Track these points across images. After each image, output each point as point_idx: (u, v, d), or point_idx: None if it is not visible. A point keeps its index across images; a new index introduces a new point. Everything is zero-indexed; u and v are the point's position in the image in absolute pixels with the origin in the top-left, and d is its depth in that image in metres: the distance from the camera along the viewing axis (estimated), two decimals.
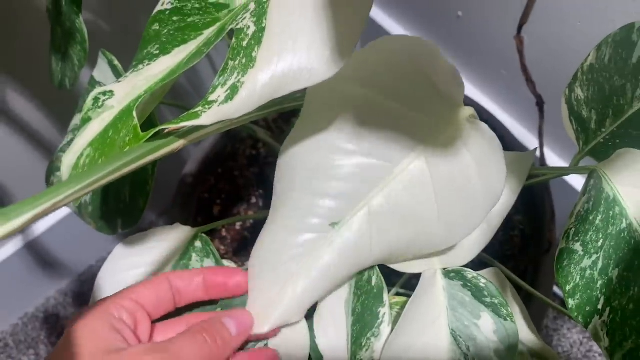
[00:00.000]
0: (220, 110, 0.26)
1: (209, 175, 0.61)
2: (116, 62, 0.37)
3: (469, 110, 0.30)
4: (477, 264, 0.40)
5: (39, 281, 0.84)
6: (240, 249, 0.59)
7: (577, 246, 0.31)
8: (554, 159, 0.70)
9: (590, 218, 0.32)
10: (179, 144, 0.27)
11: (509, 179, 0.37)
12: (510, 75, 0.72)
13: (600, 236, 0.31)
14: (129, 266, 0.38)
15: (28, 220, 0.21)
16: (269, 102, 0.35)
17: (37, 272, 0.83)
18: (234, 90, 0.26)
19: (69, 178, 0.23)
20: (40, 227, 0.77)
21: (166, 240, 0.38)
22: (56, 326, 0.85)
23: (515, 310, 0.41)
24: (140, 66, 0.32)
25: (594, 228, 0.31)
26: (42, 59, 0.50)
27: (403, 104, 0.32)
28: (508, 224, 0.57)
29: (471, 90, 0.76)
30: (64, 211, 0.77)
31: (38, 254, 0.80)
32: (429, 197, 0.32)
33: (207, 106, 0.26)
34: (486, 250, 0.56)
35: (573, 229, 0.31)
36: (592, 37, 0.54)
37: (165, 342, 0.31)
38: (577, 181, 0.67)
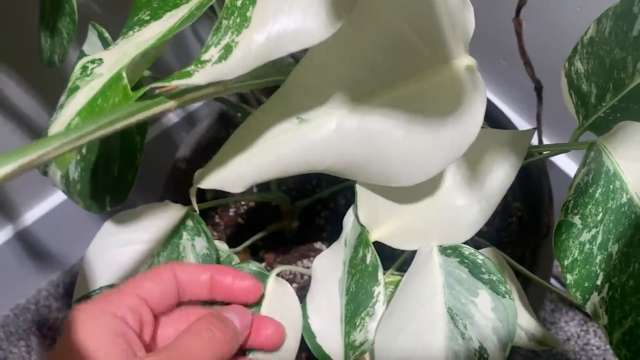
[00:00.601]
0: (213, 69, 0.25)
1: (203, 160, 0.60)
2: (106, 35, 0.36)
3: (468, 61, 0.29)
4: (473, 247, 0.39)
5: (30, 272, 0.83)
6: (234, 235, 0.58)
7: (576, 219, 0.31)
8: None
9: (590, 191, 0.31)
10: (170, 104, 0.26)
11: (507, 155, 0.37)
12: (510, 65, 0.71)
13: (600, 210, 0.31)
14: (119, 243, 0.37)
15: (13, 171, 0.20)
16: (265, 71, 0.34)
17: (28, 263, 0.81)
18: (228, 50, 0.26)
19: (56, 134, 0.22)
20: (31, 217, 0.76)
21: (157, 217, 0.38)
22: (48, 317, 0.84)
23: (514, 291, 0.40)
24: (131, 32, 0.31)
25: (594, 201, 0.31)
26: (32, 41, 0.49)
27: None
28: (506, 210, 0.57)
29: None
30: (55, 201, 0.76)
31: (29, 244, 0.79)
32: (399, 131, 0.31)
33: (200, 65, 0.26)
34: (484, 237, 0.55)
35: (572, 201, 0.31)
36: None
37: (171, 345, 0.29)
38: (575, 168, 0.66)
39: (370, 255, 0.35)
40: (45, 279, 0.87)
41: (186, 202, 0.55)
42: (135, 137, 0.35)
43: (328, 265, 0.37)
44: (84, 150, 0.39)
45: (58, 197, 0.76)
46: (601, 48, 0.33)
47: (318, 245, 0.57)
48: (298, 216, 0.56)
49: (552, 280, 0.72)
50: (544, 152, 0.38)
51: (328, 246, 0.57)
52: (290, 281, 0.56)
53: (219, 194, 0.60)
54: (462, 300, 0.34)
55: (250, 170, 0.33)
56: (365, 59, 0.31)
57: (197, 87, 0.26)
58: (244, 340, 0.33)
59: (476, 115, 0.29)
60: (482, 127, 0.39)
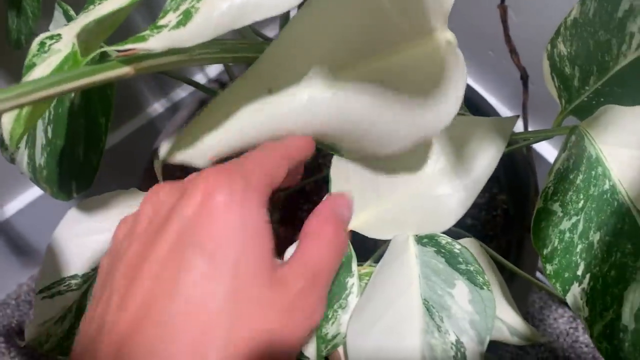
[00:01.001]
0: (170, 35, 0.23)
1: None
2: (72, 12, 0.35)
3: (447, 35, 0.28)
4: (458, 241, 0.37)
5: (10, 267, 0.81)
6: None
7: (556, 206, 0.29)
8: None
9: (571, 177, 0.29)
10: (125, 70, 0.24)
11: (490, 143, 0.35)
12: (498, 57, 0.70)
13: (581, 197, 0.29)
14: (83, 232, 0.36)
15: None
16: (236, 46, 0.32)
17: (8, 257, 0.80)
18: (187, 16, 0.24)
19: None
20: (10, 210, 0.74)
21: (123, 205, 0.36)
22: (28, 313, 0.83)
23: (494, 285, 0.39)
24: (91, 7, 0.30)
25: (574, 188, 0.29)
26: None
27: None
28: (491, 203, 0.55)
29: None
30: (34, 194, 0.75)
31: (8, 238, 0.77)
32: (374, 107, 0.29)
33: (155, 30, 0.24)
34: (468, 230, 0.54)
35: (552, 188, 0.29)
36: None
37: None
38: None
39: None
40: (26, 274, 0.85)
41: None
42: (100, 118, 0.34)
43: None
44: (49, 135, 0.38)
45: (37, 189, 0.75)
46: (585, 30, 0.32)
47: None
48: (279, 208, 0.54)
49: (540, 275, 0.71)
50: (527, 140, 0.36)
51: None
52: None
53: None
54: (439, 292, 0.32)
55: (216, 142, 0.32)
56: (341, 31, 0.29)
57: (157, 55, 0.25)
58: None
59: (457, 91, 0.27)
60: (465, 115, 0.38)
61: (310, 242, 0.27)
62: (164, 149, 0.31)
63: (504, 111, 0.72)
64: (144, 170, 0.56)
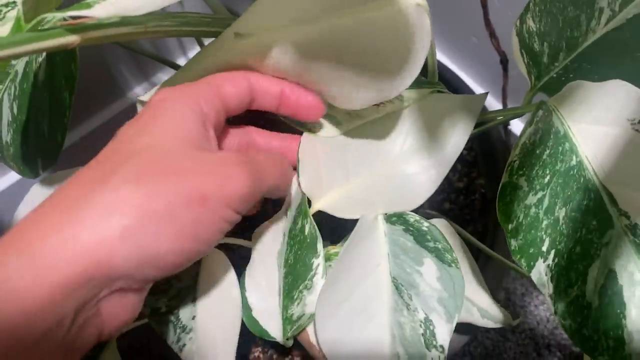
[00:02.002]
0: (117, 3, 0.23)
1: None
2: None
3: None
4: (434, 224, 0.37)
5: None
6: None
7: (522, 181, 0.29)
8: (519, 125, 0.68)
9: (537, 152, 0.29)
10: (71, 39, 0.23)
11: (458, 121, 0.35)
12: (481, 43, 0.69)
13: (547, 172, 0.29)
14: None
15: None
16: (199, 19, 0.32)
17: None
18: None
19: None
20: None
21: None
22: None
23: (465, 266, 0.39)
24: None
25: (541, 163, 0.29)
26: None
27: None
28: (470, 187, 0.55)
29: (438, 56, 0.73)
30: (12, 178, 0.74)
31: None
32: (331, 61, 0.29)
33: None
34: (446, 214, 0.54)
35: (517, 162, 0.29)
36: None
37: (249, 154, 0.28)
38: None
39: (309, 226, 0.33)
40: None
41: None
42: (64, 93, 0.33)
43: (268, 236, 0.35)
44: (15, 111, 0.37)
45: (14, 174, 0.74)
46: (554, 5, 0.32)
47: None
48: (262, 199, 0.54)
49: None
50: (498, 118, 0.36)
51: None
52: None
53: None
54: (407, 270, 0.32)
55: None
56: None
57: (108, 24, 0.24)
58: (279, 106, 0.32)
59: (420, 54, 0.27)
60: (438, 93, 0.37)
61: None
62: (144, 99, 0.31)
63: (488, 98, 0.71)
64: None
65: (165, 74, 0.76)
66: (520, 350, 0.72)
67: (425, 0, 0.27)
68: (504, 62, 0.51)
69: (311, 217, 0.33)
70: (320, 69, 0.30)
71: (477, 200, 0.54)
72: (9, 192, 0.74)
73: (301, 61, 0.30)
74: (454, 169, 0.56)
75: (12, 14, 0.28)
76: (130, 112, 0.75)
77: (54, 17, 0.23)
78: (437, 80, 0.37)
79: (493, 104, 0.69)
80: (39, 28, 0.24)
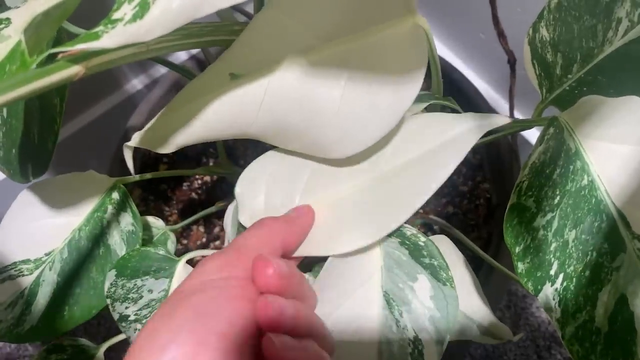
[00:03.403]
0: (126, 30, 0.21)
1: None
2: None
3: (416, 19, 0.26)
4: (436, 232, 0.36)
5: None
6: (186, 210, 0.55)
7: (530, 202, 0.28)
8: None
9: (547, 171, 0.28)
10: (75, 70, 0.22)
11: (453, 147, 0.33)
12: (488, 40, 0.68)
13: (557, 192, 0.28)
14: (36, 215, 0.34)
15: None
16: (200, 29, 0.30)
17: None
18: (144, 7, 0.22)
19: None
20: None
21: (79, 188, 0.34)
22: None
23: (466, 282, 0.38)
24: None
25: (550, 183, 0.28)
26: None
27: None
28: (474, 192, 0.54)
29: (445, 52, 0.72)
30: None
31: None
32: (337, 90, 0.28)
33: (109, 25, 0.22)
34: (449, 220, 0.53)
35: (526, 182, 0.28)
36: None
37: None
38: None
39: None
40: None
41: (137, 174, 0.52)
42: (54, 99, 0.32)
43: None
44: (4, 114, 0.35)
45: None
46: (569, 14, 0.30)
47: None
48: None
49: None
50: (506, 130, 0.35)
51: None
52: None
53: (173, 169, 0.57)
54: (400, 285, 0.31)
55: (181, 138, 0.30)
56: (312, 13, 0.27)
57: (110, 49, 0.22)
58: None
59: (417, 78, 0.26)
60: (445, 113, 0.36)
61: None
62: (133, 140, 0.30)
63: (492, 95, 0.70)
64: (114, 152, 0.54)
65: (163, 67, 0.75)
66: (521, 352, 0.71)
67: (423, 20, 0.26)
68: (512, 62, 0.49)
69: None
70: (322, 101, 0.28)
71: (481, 205, 0.53)
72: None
73: (303, 95, 0.28)
74: (458, 171, 0.55)
75: (7, 32, 0.27)
76: (126, 104, 0.74)
77: (61, 50, 0.22)
78: (441, 94, 0.35)
79: (499, 102, 0.67)
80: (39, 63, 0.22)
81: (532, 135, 0.66)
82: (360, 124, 0.28)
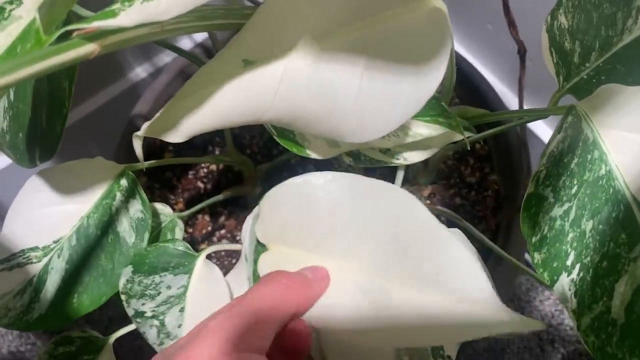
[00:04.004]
0: (143, 9, 0.21)
1: None
2: None
3: (435, 2, 0.25)
4: (444, 223, 0.35)
5: None
6: (192, 199, 0.55)
7: (548, 192, 0.27)
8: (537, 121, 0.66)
9: (565, 161, 0.27)
10: (90, 48, 0.22)
11: None
12: (497, 31, 0.67)
13: (575, 182, 0.27)
14: (44, 202, 0.34)
15: None
16: (212, 12, 0.30)
17: None
18: None
19: None
20: None
21: (87, 175, 0.34)
22: None
23: None
24: None
25: (568, 172, 0.27)
26: None
27: None
28: (482, 183, 0.53)
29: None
30: (3, 162, 0.72)
31: None
32: (355, 78, 0.27)
33: (126, 3, 0.21)
34: (457, 211, 0.52)
35: (544, 171, 0.27)
36: None
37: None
38: None
39: None
40: None
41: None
42: (63, 82, 0.31)
43: (234, 286, 0.33)
44: (12, 97, 0.35)
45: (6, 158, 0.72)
46: (589, 1, 0.30)
47: None
48: (262, 182, 0.52)
49: (528, 257, 0.69)
50: (521, 119, 0.34)
51: None
52: (230, 257, 0.52)
53: (179, 157, 0.56)
54: None
55: (192, 124, 0.30)
56: None
57: (124, 29, 0.22)
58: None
59: (439, 66, 0.25)
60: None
61: None
62: (143, 129, 0.29)
63: (501, 88, 0.69)
64: (120, 139, 0.54)
65: (167, 56, 0.74)
66: (524, 345, 0.71)
67: (442, 4, 0.26)
68: (522, 52, 0.49)
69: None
70: (339, 88, 0.28)
71: (489, 197, 0.52)
72: (6, 173, 0.73)
73: (318, 82, 0.28)
74: (465, 162, 0.54)
75: (18, 12, 0.26)
76: (130, 93, 0.73)
77: (76, 27, 0.22)
78: (454, 83, 0.35)
79: (508, 95, 0.66)
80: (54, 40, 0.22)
81: (539, 127, 0.66)
82: (380, 112, 0.27)
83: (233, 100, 0.29)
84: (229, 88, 0.29)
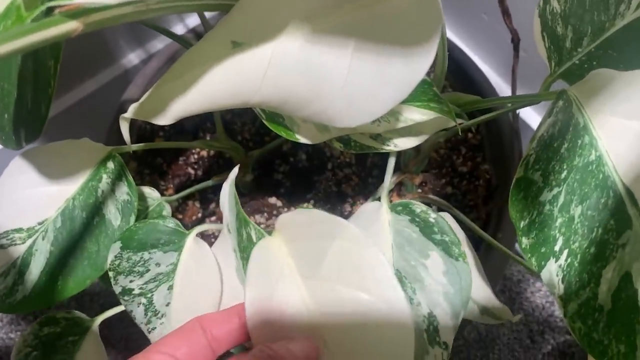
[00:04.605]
0: None
1: None
2: None
3: None
4: (435, 212, 0.35)
5: None
6: (182, 185, 0.54)
7: (537, 176, 0.27)
8: (528, 111, 0.65)
9: (555, 145, 0.27)
10: (72, 25, 0.21)
11: None
12: (491, 21, 0.67)
13: (565, 167, 0.27)
14: (29, 183, 0.33)
15: None
16: None
17: None
18: None
19: None
20: None
21: (73, 156, 0.33)
22: None
23: (468, 260, 0.37)
24: None
25: (558, 157, 0.27)
26: None
27: None
28: (474, 173, 0.53)
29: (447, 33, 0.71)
30: None
31: None
32: (344, 60, 0.27)
33: None
34: (447, 199, 0.52)
35: (533, 155, 0.27)
36: None
37: None
38: None
39: (254, 232, 0.30)
40: None
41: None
42: (49, 61, 0.31)
43: (223, 257, 0.33)
44: None
45: None
46: None
47: (273, 200, 0.53)
48: (253, 169, 0.52)
49: (519, 248, 0.69)
50: (513, 104, 0.34)
51: (284, 203, 0.54)
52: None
53: (169, 140, 0.56)
54: (412, 263, 0.30)
55: (180, 107, 0.29)
56: None
57: (109, 6, 0.21)
58: None
59: (430, 48, 0.25)
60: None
61: None
62: (130, 111, 0.29)
63: (494, 78, 0.69)
64: (110, 124, 0.53)
65: (160, 42, 0.73)
66: (515, 337, 0.71)
67: None
68: (516, 41, 0.49)
69: (252, 224, 0.30)
70: (329, 71, 0.27)
71: (481, 186, 0.52)
72: None
73: (307, 65, 0.27)
74: (457, 151, 0.54)
75: None
76: (122, 80, 0.73)
77: (58, 4, 0.21)
78: (445, 69, 0.34)
79: (502, 86, 0.66)
80: (35, 17, 0.21)
81: (532, 119, 0.66)
82: (370, 95, 0.27)
83: (221, 83, 0.29)
84: (217, 70, 0.28)
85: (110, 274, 0.31)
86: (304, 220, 0.28)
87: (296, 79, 0.28)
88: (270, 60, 0.27)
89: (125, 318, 0.35)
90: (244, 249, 0.30)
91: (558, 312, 0.72)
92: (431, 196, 0.48)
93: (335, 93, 0.27)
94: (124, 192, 0.33)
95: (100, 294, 0.71)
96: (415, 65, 0.25)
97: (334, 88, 0.27)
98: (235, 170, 0.30)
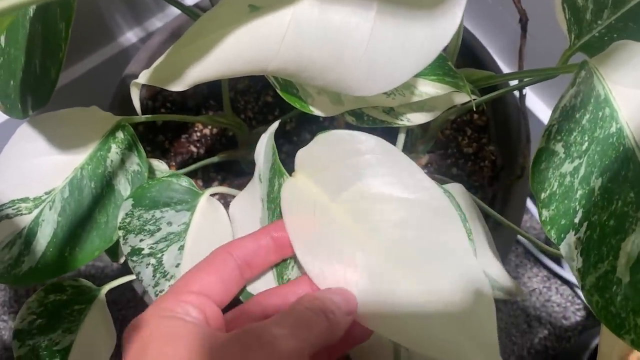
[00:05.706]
0: None
1: None
2: None
3: None
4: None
5: None
6: (184, 163, 0.53)
7: (559, 147, 0.27)
8: (532, 97, 0.65)
9: (577, 116, 0.27)
10: None
11: None
12: (496, 4, 0.66)
13: (586, 139, 0.27)
14: (36, 152, 0.32)
15: None
16: None
17: None
18: None
19: None
20: None
21: (81, 125, 0.33)
22: None
23: (480, 234, 0.37)
24: None
25: (580, 128, 0.27)
26: None
27: None
28: (479, 154, 0.53)
29: None
30: None
31: None
32: (366, 23, 0.26)
33: None
34: (452, 179, 0.52)
35: (556, 126, 0.27)
36: None
37: (250, 327, 0.24)
38: None
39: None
40: None
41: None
42: (59, 24, 0.30)
43: (245, 207, 0.32)
44: (2, 42, 0.33)
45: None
46: None
47: None
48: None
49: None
50: (527, 79, 0.34)
51: None
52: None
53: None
54: None
55: (196, 72, 0.28)
56: None
57: None
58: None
59: (455, 12, 0.24)
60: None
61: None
62: (143, 76, 0.28)
63: (499, 63, 0.69)
64: (111, 99, 0.52)
65: (159, 20, 0.72)
66: (512, 322, 0.71)
67: None
68: (524, 21, 0.48)
69: (287, 174, 0.30)
70: (349, 35, 0.26)
71: (486, 167, 0.52)
72: None
73: (326, 29, 0.27)
74: (463, 132, 0.54)
75: None
76: (120, 57, 0.71)
77: None
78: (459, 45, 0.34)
79: (505, 70, 0.66)
80: None
81: (538, 108, 0.66)
82: (392, 60, 0.26)
83: (238, 48, 0.28)
84: (234, 35, 0.28)
85: (120, 232, 0.30)
86: (323, 150, 0.30)
87: (316, 44, 0.27)
88: (290, 24, 0.27)
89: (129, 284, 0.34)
90: (273, 200, 0.30)
91: (555, 297, 0.73)
92: (436, 175, 0.48)
93: (356, 59, 0.27)
94: (134, 162, 0.32)
95: (110, 267, 0.71)
96: (440, 30, 0.25)
97: (356, 53, 0.27)
98: (276, 123, 0.31)
